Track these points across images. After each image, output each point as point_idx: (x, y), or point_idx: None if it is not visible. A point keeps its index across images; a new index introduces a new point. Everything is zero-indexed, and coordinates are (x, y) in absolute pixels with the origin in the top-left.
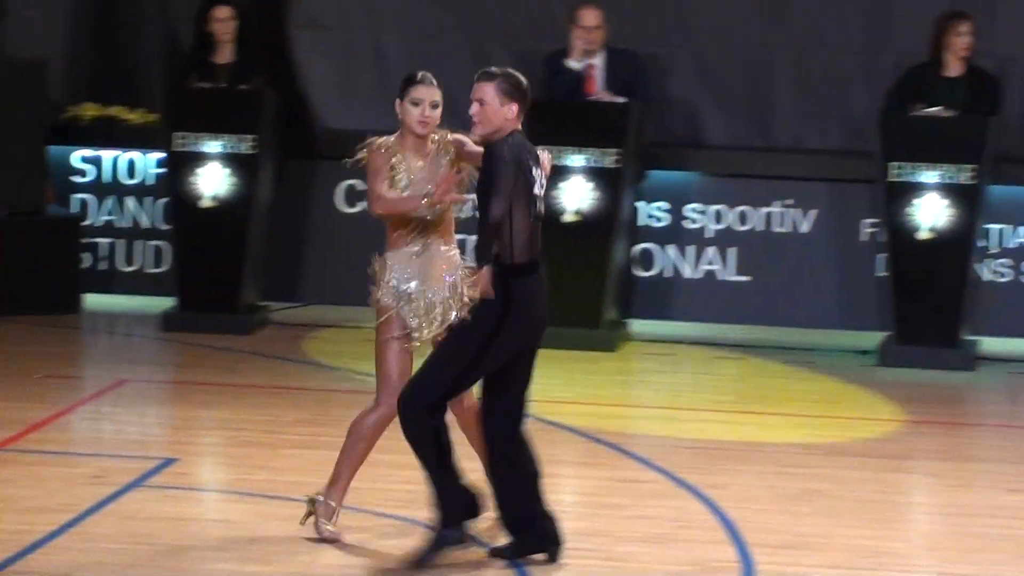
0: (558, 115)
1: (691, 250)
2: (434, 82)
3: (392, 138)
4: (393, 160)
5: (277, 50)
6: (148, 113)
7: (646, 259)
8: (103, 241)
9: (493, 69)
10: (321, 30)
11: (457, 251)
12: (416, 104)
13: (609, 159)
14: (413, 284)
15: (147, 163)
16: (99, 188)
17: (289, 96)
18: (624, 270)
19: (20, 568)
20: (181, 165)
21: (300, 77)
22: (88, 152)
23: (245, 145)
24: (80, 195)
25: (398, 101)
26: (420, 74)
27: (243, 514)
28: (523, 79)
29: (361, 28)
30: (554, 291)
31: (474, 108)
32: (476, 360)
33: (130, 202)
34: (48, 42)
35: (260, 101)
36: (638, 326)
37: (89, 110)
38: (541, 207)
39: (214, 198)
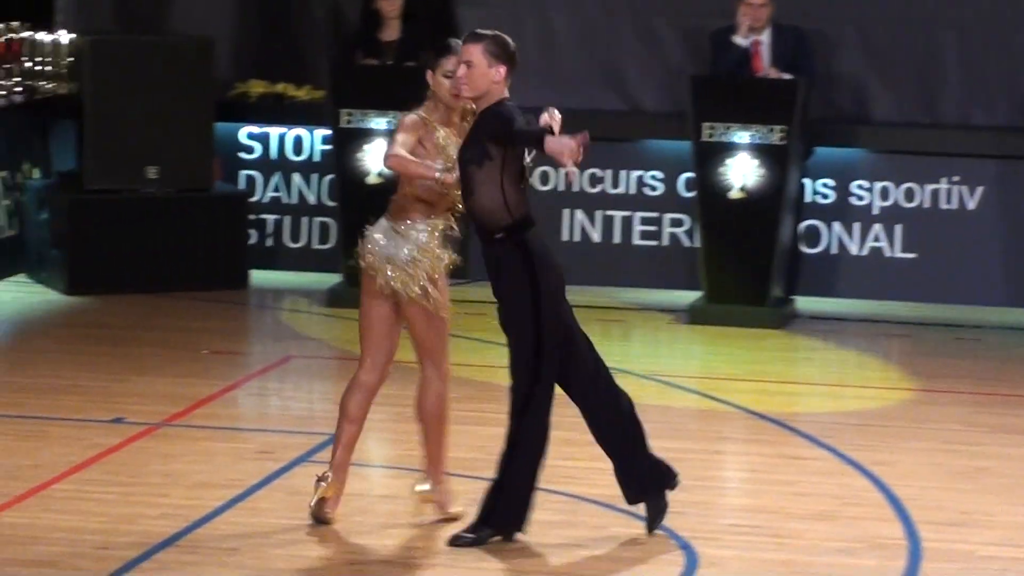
0: (724, 92)
1: (857, 227)
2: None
3: (422, 112)
4: (437, 136)
5: (443, 27)
6: (315, 90)
7: (812, 236)
8: (270, 217)
9: (480, 31)
10: (487, 7)
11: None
12: (448, 77)
13: (775, 136)
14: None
15: (314, 140)
16: (266, 165)
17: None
18: (790, 247)
19: (188, 542)
20: (347, 142)
21: None
22: (255, 129)
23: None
24: (247, 171)
25: (429, 72)
26: (452, 42)
27: (408, 490)
28: (511, 42)
29: (527, 5)
30: (720, 268)
31: (461, 70)
32: (541, 325)
33: (296, 178)
34: (216, 20)
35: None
36: (803, 303)
37: (256, 87)
38: (528, 174)
39: (380, 175)
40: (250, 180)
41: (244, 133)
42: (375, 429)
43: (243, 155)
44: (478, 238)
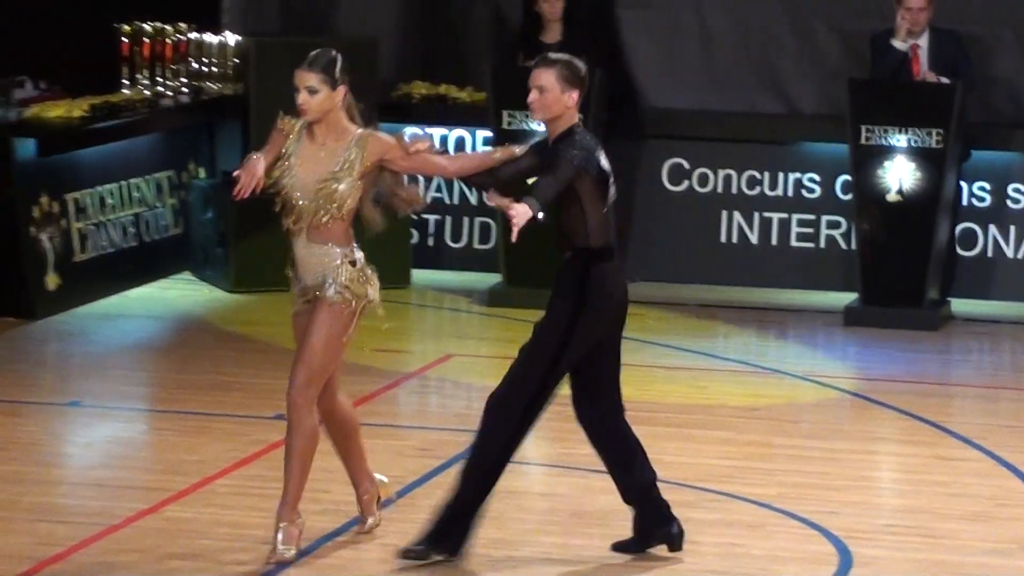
0: (883, 95)
1: (1014, 230)
2: (314, 65)
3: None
4: (288, 141)
5: (603, 30)
6: (476, 91)
7: (968, 239)
8: (431, 218)
9: (551, 55)
10: (647, 9)
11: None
12: (296, 90)
13: (933, 139)
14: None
15: (475, 140)
16: None
17: (615, 75)
18: (946, 250)
19: (349, 537)
20: (509, 143)
21: (626, 56)
22: (418, 129)
23: None
24: None
25: None
26: (310, 55)
27: (567, 487)
28: (583, 66)
29: (686, 7)
30: (876, 270)
31: (533, 95)
32: (559, 354)
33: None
34: (380, 22)
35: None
36: (959, 305)
37: (419, 88)
38: (612, 196)
39: None
40: (412, 181)
41: (407, 133)
42: (535, 427)
43: None
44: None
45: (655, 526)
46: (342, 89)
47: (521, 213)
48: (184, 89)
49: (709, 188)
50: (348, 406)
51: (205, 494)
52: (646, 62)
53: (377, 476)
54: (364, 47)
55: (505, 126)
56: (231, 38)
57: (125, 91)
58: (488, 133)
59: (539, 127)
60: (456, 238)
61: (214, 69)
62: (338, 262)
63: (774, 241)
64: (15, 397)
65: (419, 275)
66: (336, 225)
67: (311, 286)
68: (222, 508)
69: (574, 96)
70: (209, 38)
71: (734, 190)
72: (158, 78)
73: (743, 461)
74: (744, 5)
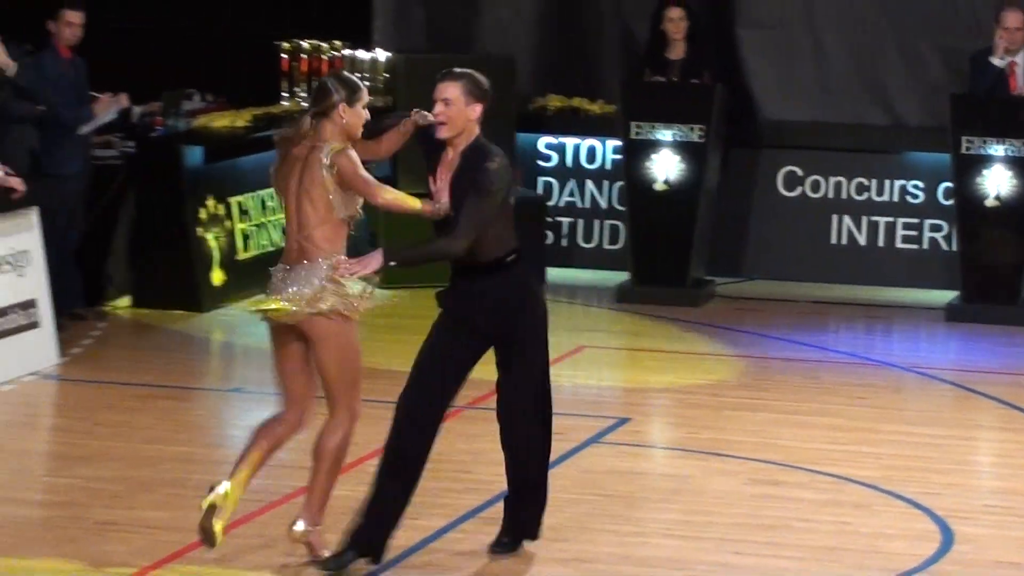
0: (982, 108)
1: None
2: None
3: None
4: None
5: (724, 47)
6: (607, 104)
7: None
8: (565, 220)
9: (457, 69)
10: (763, 29)
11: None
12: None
13: None
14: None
15: (605, 149)
16: (562, 172)
17: (735, 89)
18: None
19: (490, 514)
20: (636, 151)
21: (744, 72)
22: (552, 139)
23: (695, 134)
24: (545, 178)
25: (343, 105)
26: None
27: (689, 469)
28: (486, 80)
29: (800, 27)
30: (976, 269)
31: (439, 108)
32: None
33: (589, 184)
34: (517, 39)
35: (709, 94)
36: None
37: (554, 101)
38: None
39: (666, 182)
40: (547, 186)
41: (542, 143)
42: (660, 414)
43: (541, 163)
44: (457, 269)
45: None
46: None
47: (372, 264)
48: None
49: (821, 194)
50: (295, 425)
51: (357, 473)
52: (763, 78)
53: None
54: (503, 63)
55: (633, 136)
56: (381, 54)
57: (284, 103)
58: (617, 142)
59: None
60: (587, 239)
61: (366, 83)
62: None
63: (881, 243)
64: (184, 383)
65: (553, 273)
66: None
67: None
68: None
69: (477, 109)
70: (361, 54)
71: (844, 196)
72: None
73: (852, 446)
74: (854, 25)
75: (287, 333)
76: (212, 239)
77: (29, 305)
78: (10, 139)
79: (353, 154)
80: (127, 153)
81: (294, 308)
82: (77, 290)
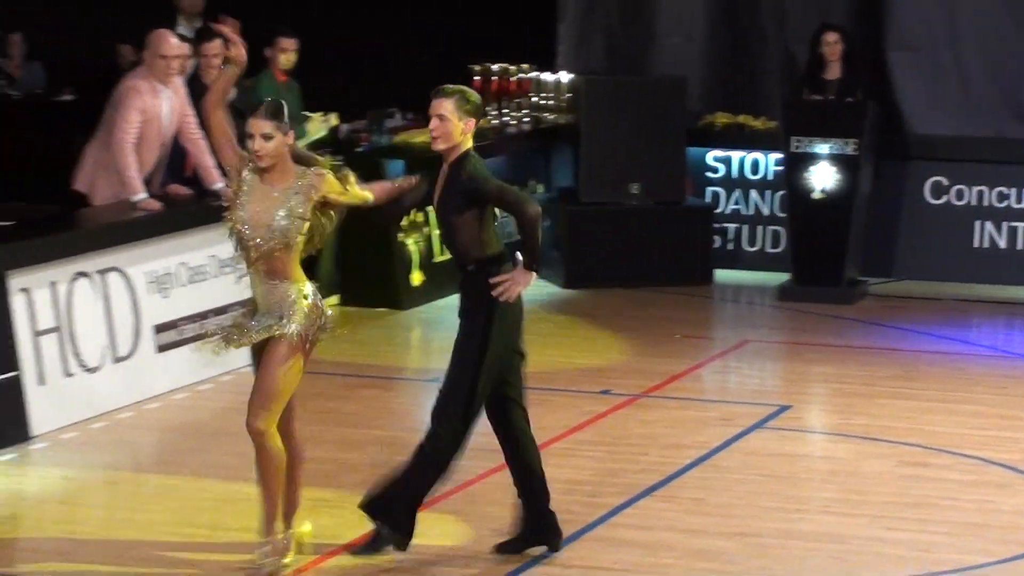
0: None
1: None
2: (267, 113)
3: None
4: (244, 174)
5: (876, 68)
6: (769, 120)
7: None
8: (731, 226)
9: (449, 86)
10: (911, 51)
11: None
12: (250, 136)
13: None
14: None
15: (768, 162)
16: (728, 182)
17: (886, 106)
18: None
19: (664, 492)
20: (796, 164)
21: (894, 90)
22: (720, 153)
23: (850, 147)
24: (713, 188)
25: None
26: (263, 105)
27: (845, 452)
28: (478, 96)
29: (945, 49)
30: None
31: (433, 123)
32: (481, 362)
33: (753, 194)
34: (689, 62)
35: (862, 111)
36: None
37: (721, 118)
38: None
39: (823, 191)
40: (715, 195)
41: (710, 156)
42: (818, 401)
43: (709, 174)
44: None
45: (536, 527)
46: (292, 134)
47: (524, 282)
48: (526, 119)
49: (964, 202)
50: (298, 439)
51: (544, 455)
52: (911, 95)
53: (307, 526)
54: (675, 84)
55: (793, 149)
56: (564, 76)
57: None
58: (779, 155)
59: None
60: (751, 243)
61: (550, 102)
62: (292, 298)
63: (1019, 245)
64: (386, 374)
65: (720, 274)
66: (287, 259)
67: (270, 322)
68: (557, 467)
69: (470, 123)
70: (546, 76)
71: (986, 203)
72: (504, 109)
73: (994, 431)
74: (994, 46)
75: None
76: (412, 244)
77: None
78: None
79: (240, 162)
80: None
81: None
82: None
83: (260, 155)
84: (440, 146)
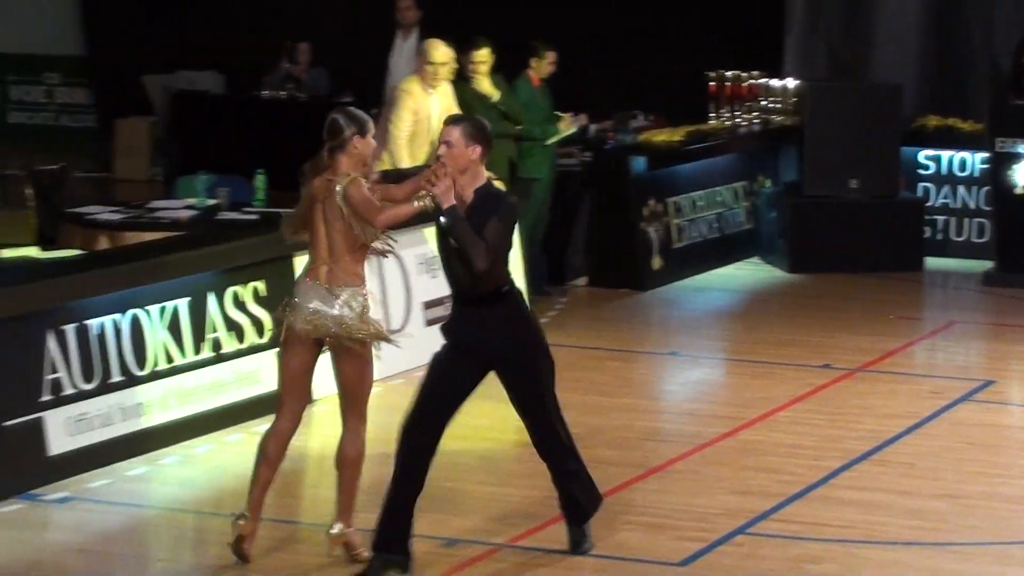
0: None
1: None
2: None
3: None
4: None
5: None
6: (976, 123)
7: None
8: (940, 218)
9: (459, 115)
10: None
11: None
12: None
13: None
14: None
15: (974, 160)
16: (938, 179)
17: None
18: None
19: (879, 458)
20: (1001, 162)
21: None
22: (931, 152)
23: None
24: (924, 184)
25: (357, 137)
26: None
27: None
28: (487, 124)
29: None
30: None
31: (442, 149)
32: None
33: (961, 189)
34: (904, 69)
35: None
36: None
37: (932, 120)
38: None
39: None
40: (926, 190)
41: (922, 155)
42: (1020, 377)
43: (921, 171)
44: (462, 302)
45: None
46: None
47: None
48: (755, 121)
49: None
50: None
51: (769, 423)
52: None
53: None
54: (891, 90)
55: (998, 149)
56: (791, 82)
57: (712, 122)
58: (985, 154)
59: None
60: (959, 233)
61: (777, 105)
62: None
63: None
64: (629, 348)
65: (931, 261)
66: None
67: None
68: (781, 433)
69: (477, 150)
70: (774, 82)
71: None
72: (736, 112)
73: None
74: None
75: (302, 344)
76: (652, 231)
77: None
78: (496, 151)
79: (362, 181)
80: (585, 162)
81: (317, 325)
82: (543, 272)
83: (445, 163)
84: (448, 169)
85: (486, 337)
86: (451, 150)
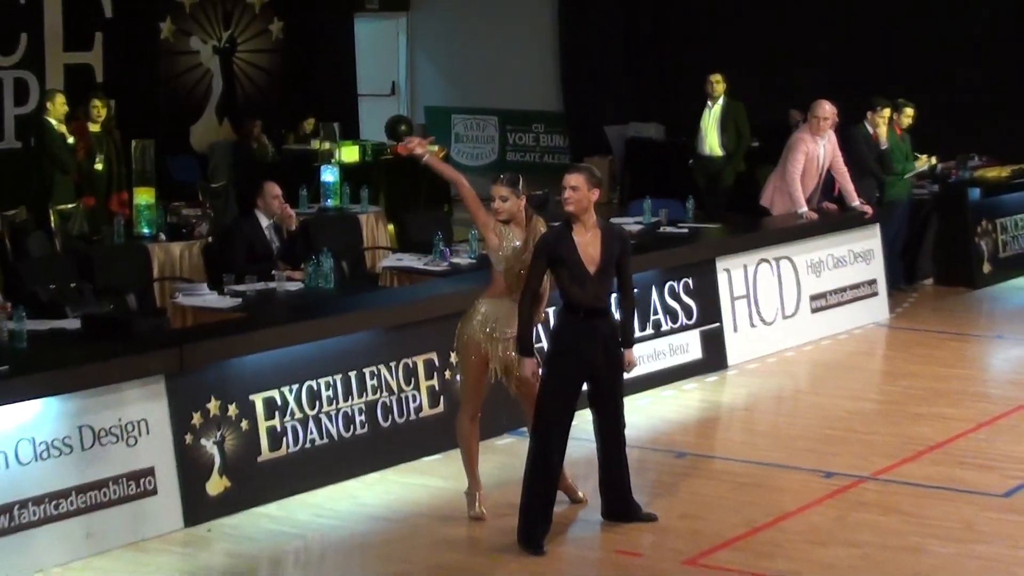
0: None
1: None
2: (506, 182)
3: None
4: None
5: None
6: None
7: None
8: None
9: (577, 164)
10: None
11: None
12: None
13: None
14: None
15: None
16: None
17: None
18: None
19: None
20: None
21: None
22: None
23: None
24: None
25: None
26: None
27: None
28: (599, 172)
29: None
30: None
31: (567, 193)
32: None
33: None
34: None
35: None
36: None
37: None
38: None
39: None
40: None
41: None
42: None
43: None
44: (592, 316)
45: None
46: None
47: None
48: None
49: None
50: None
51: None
52: None
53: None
54: None
55: None
56: None
57: None
58: None
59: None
60: None
61: None
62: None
63: None
64: (964, 332)
65: None
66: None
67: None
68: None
69: (596, 193)
70: None
71: None
72: None
73: None
74: None
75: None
76: (984, 244)
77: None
78: (864, 183)
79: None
80: (933, 191)
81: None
82: (899, 274)
83: (498, 211)
84: (572, 208)
85: (597, 344)
86: (576, 193)
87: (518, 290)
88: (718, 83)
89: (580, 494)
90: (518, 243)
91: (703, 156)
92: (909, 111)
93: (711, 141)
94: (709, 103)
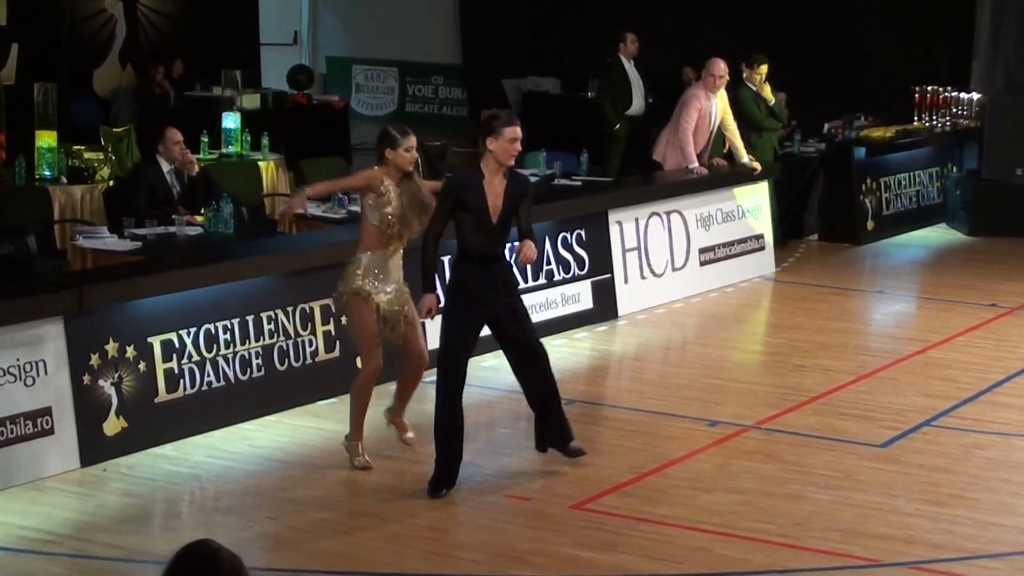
0: None
1: None
2: (412, 133)
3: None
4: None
5: None
6: None
7: None
8: None
9: (513, 115)
10: None
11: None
12: (408, 151)
13: None
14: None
15: None
16: None
17: None
18: None
19: None
20: None
21: None
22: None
23: None
24: None
25: (389, 150)
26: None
27: None
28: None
29: None
30: None
31: (518, 144)
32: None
33: None
34: None
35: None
36: None
37: None
38: None
39: None
40: None
41: None
42: None
43: None
44: (489, 262)
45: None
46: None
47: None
48: (947, 123)
49: None
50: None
51: (949, 345)
52: None
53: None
54: None
55: None
56: (975, 95)
57: (915, 123)
58: None
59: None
60: None
61: (964, 113)
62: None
63: None
64: (847, 286)
65: None
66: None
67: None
68: (959, 353)
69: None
70: (963, 95)
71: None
72: (933, 117)
73: None
74: None
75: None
76: (868, 202)
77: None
78: (765, 140)
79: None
80: (820, 150)
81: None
82: (786, 228)
83: (409, 161)
84: (513, 161)
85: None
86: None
87: (393, 242)
88: (632, 43)
89: (410, 434)
90: (394, 198)
91: (634, 117)
92: (763, 68)
93: (638, 101)
94: (624, 60)
